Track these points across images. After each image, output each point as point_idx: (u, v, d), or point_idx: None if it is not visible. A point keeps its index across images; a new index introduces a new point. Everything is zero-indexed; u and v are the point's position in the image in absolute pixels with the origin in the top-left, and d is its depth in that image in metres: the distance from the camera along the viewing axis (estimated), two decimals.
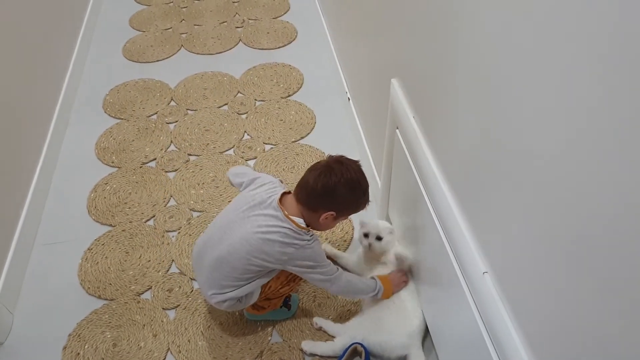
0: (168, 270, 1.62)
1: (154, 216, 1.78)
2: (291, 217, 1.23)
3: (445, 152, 1.14)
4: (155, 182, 1.90)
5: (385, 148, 1.54)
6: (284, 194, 1.29)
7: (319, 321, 1.45)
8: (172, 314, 1.51)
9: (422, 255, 1.37)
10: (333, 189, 1.22)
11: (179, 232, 1.72)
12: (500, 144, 0.88)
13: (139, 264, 1.63)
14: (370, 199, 1.33)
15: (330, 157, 1.29)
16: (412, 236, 1.44)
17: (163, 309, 1.51)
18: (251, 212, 1.26)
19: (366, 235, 1.50)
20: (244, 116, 2.18)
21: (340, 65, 2.24)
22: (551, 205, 0.74)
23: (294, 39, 2.65)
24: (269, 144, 2.05)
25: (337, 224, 1.41)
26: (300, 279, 1.37)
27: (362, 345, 1.36)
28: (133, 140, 2.07)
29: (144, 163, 1.98)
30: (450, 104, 1.07)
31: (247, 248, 1.23)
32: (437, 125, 1.17)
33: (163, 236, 1.71)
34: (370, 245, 1.50)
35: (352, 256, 1.62)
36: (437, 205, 1.18)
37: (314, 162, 1.28)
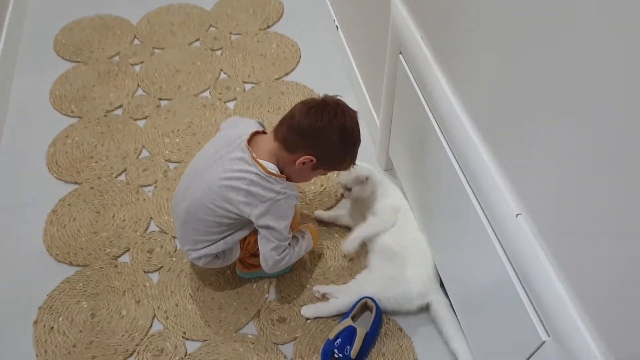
0: (147, 229, 1.44)
1: (125, 170, 1.58)
2: (260, 160, 1.06)
3: (464, 78, 0.96)
4: (123, 132, 1.68)
5: (385, 79, 1.35)
6: (256, 133, 1.11)
7: (320, 289, 1.31)
8: (155, 277, 1.35)
9: (432, 200, 1.22)
10: (321, 130, 1.04)
11: (155, 187, 1.53)
12: (533, 64, 0.70)
13: (112, 225, 1.45)
14: (358, 153, 1.15)
15: (327, 96, 1.10)
16: (419, 179, 1.29)
17: (144, 272, 1.35)
18: (217, 155, 1.10)
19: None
20: (218, 52, 1.94)
21: None
22: (598, 134, 0.61)
23: None
24: (249, 82, 1.83)
25: (312, 179, 1.24)
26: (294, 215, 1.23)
27: (372, 299, 1.23)
28: (94, 86, 1.82)
29: (108, 111, 1.75)
30: (468, 17, 0.88)
31: (210, 197, 1.07)
32: (452, 46, 0.98)
33: (138, 192, 1.52)
34: (342, 196, 1.39)
35: (344, 210, 1.47)
36: (455, 141, 1.01)
37: (309, 98, 1.09)
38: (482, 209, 0.96)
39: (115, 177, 1.56)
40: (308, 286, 1.33)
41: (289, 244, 1.14)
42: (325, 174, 1.19)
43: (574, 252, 0.74)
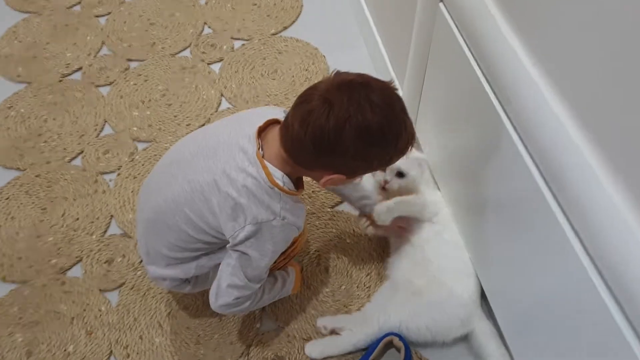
0: (105, 232, 1.12)
1: (81, 152, 1.24)
2: (266, 162, 0.72)
3: (545, 33, 0.60)
4: (82, 101, 1.33)
5: (415, 36, 0.99)
6: (276, 122, 0.76)
7: (326, 323, 0.98)
8: (114, 297, 1.04)
9: (483, 199, 0.88)
10: (335, 143, 0.67)
11: (118, 174, 1.20)
12: None
13: (62, 225, 1.13)
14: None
15: (337, 75, 0.69)
16: (463, 172, 0.94)
17: (100, 291, 1.04)
18: (219, 138, 0.77)
19: None
20: (202, 1, 1.56)
21: None
22: None
23: None
24: (239, 39, 1.46)
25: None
26: (294, 247, 0.91)
27: (398, 336, 0.92)
28: (48, 43, 1.46)
29: (64, 75, 1.39)
30: None
31: (190, 198, 0.76)
32: None
33: (96, 181, 1.19)
34: (385, 183, 1.02)
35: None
36: (528, 121, 0.67)
37: (309, 86, 0.71)
38: (565, 216, 0.63)
39: (69, 162, 1.23)
40: (313, 312, 1.01)
41: (259, 288, 0.82)
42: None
43: None
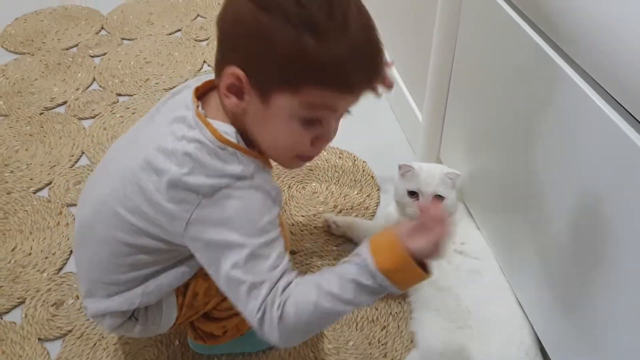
0: (61, 270, 0.92)
1: (50, 183, 1.08)
2: (210, 119, 0.54)
3: None
4: (60, 133, 1.20)
5: (440, 24, 0.86)
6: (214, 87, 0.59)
7: None
8: (55, 348, 0.81)
9: (544, 235, 0.68)
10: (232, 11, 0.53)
11: None
12: None
13: (10, 261, 0.93)
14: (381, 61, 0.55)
15: None
16: (512, 200, 0.76)
17: (39, 340, 0.82)
18: (150, 122, 0.60)
19: (413, 193, 0.83)
20: (203, 44, 1.49)
21: None
22: None
23: None
24: None
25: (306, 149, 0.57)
26: None
27: None
28: (36, 80, 1.37)
29: (47, 108, 1.28)
30: None
31: (121, 193, 0.57)
32: None
33: (60, 213, 1.01)
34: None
35: (377, 224, 0.94)
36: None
37: None
38: None
39: (34, 193, 1.06)
40: None
41: (285, 281, 0.54)
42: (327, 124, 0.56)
43: None
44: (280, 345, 0.54)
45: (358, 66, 0.51)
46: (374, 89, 0.60)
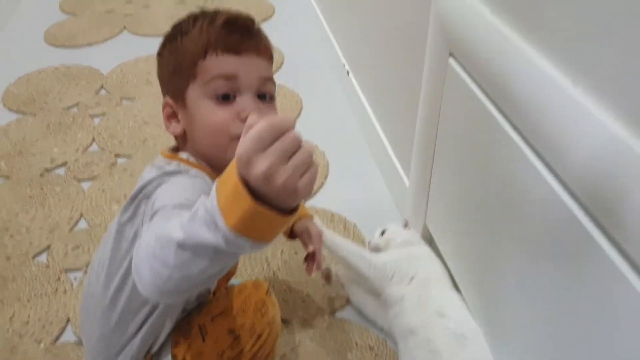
0: (57, 339, 0.94)
1: (48, 247, 1.11)
2: (166, 152, 0.66)
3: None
4: (60, 195, 1.24)
5: (425, 98, 0.91)
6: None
7: None
8: None
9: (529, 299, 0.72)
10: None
11: (85, 272, 1.05)
12: None
13: (7, 330, 0.95)
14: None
15: None
16: (495, 262, 0.79)
17: None
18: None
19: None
20: None
21: (334, 37, 1.65)
22: None
23: (270, 16, 2.08)
24: None
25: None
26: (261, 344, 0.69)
27: None
28: (37, 140, 1.41)
29: (48, 170, 1.32)
30: None
31: (96, 265, 0.69)
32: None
33: (59, 279, 1.04)
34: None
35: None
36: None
37: None
38: None
39: (32, 258, 1.09)
40: None
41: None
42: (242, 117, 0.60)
43: None
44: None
45: (223, 27, 0.60)
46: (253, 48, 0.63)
